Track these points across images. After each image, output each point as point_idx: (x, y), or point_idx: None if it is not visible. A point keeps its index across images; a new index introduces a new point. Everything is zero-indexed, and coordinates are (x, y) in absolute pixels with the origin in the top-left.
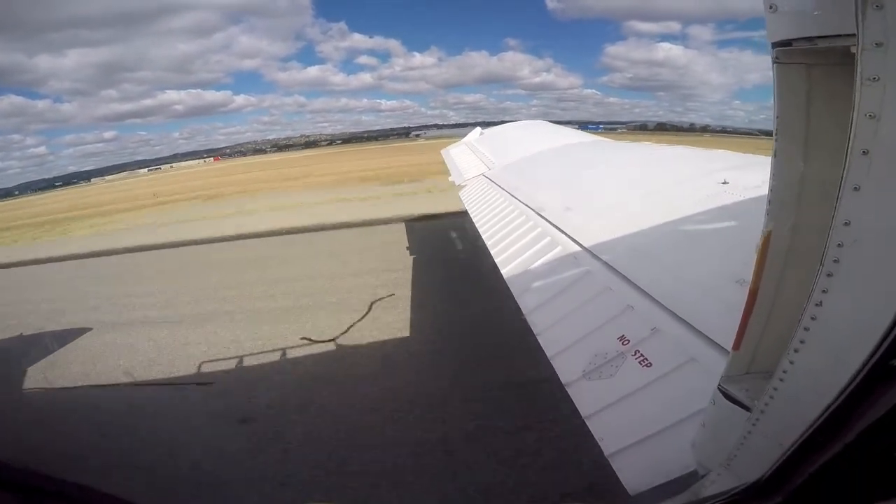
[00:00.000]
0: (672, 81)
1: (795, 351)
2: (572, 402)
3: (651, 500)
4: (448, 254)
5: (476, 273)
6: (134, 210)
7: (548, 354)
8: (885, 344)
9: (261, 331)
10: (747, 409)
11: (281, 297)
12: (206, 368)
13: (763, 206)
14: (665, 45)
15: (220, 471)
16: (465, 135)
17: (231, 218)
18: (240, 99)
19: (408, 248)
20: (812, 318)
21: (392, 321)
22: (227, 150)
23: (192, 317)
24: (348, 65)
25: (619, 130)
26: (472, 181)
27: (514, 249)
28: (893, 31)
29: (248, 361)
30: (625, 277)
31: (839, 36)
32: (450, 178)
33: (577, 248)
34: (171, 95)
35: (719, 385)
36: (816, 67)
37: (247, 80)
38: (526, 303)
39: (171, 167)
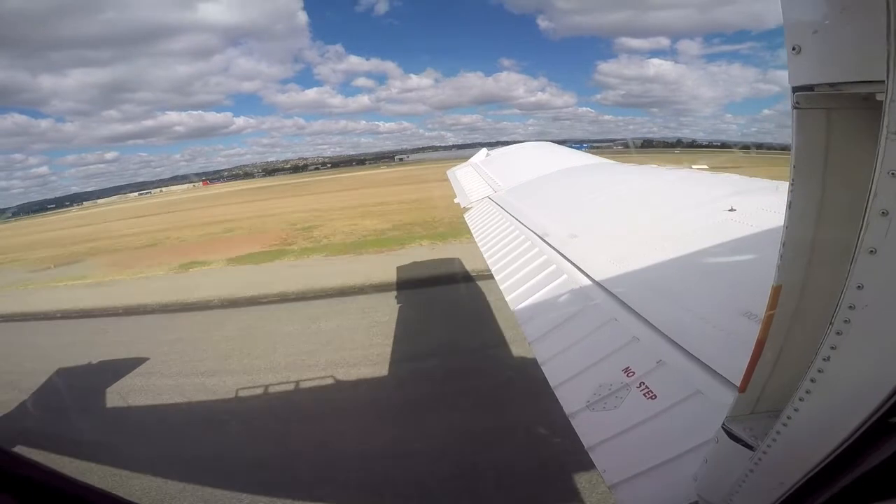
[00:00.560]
0: (664, 97)
1: (801, 399)
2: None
3: None
4: None
5: None
6: None
7: (552, 384)
8: (888, 404)
9: None
10: (750, 448)
11: None
12: None
13: (769, 235)
14: (655, 61)
15: None
16: (446, 158)
17: None
18: (240, 121)
19: None
20: (819, 371)
21: None
22: (226, 173)
23: None
24: (346, 87)
25: (615, 148)
26: (478, 204)
27: (518, 276)
28: None
29: None
30: (630, 308)
31: (866, 82)
32: (455, 200)
33: (583, 276)
34: (172, 117)
35: (723, 424)
36: (838, 112)
37: (247, 102)
38: (530, 331)
39: (161, 191)
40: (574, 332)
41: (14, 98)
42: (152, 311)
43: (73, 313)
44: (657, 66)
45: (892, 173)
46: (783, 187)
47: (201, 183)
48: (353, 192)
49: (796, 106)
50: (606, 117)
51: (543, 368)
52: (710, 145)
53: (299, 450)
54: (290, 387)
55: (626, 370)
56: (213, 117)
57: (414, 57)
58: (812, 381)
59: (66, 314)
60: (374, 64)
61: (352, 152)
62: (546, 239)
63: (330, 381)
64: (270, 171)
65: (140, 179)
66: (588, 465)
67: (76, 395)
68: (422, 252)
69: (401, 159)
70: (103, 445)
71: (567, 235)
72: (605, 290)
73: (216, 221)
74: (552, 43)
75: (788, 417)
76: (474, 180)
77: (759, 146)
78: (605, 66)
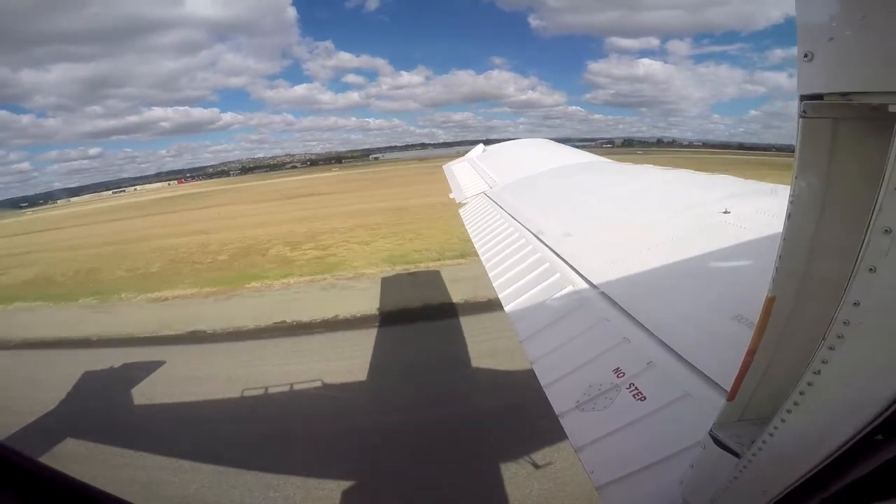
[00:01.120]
0: (653, 97)
1: (788, 411)
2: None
3: None
4: None
5: None
6: None
7: (542, 383)
8: (876, 422)
9: None
10: (737, 455)
11: None
12: None
13: (763, 238)
14: (645, 61)
15: None
16: (432, 157)
17: None
18: (227, 116)
19: None
20: (808, 384)
21: None
22: (211, 170)
23: None
24: (336, 83)
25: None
26: (473, 199)
27: (511, 274)
28: None
29: None
30: (622, 308)
31: (881, 93)
32: (450, 195)
33: (576, 276)
34: (158, 112)
35: (711, 430)
36: (845, 122)
37: (234, 98)
38: (522, 329)
39: (136, 189)
40: (565, 332)
41: None
42: None
43: None
44: (647, 65)
45: None
46: (779, 190)
47: (177, 182)
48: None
49: (803, 115)
50: (596, 116)
51: (534, 367)
52: (690, 145)
53: None
54: None
55: (617, 371)
56: (199, 113)
57: (405, 54)
58: (801, 393)
59: None
60: (365, 60)
61: (341, 149)
62: (540, 237)
63: None
64: (248, 168)
65: (125, 175)
66: None
67: None
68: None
69: (375, 158)
70: None
71: (561, 234)
72: (598, 289)
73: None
74: (543, 41)
75: (775, 427)
76: (470, 176)
77: (742, 146)
78: (595, 66)
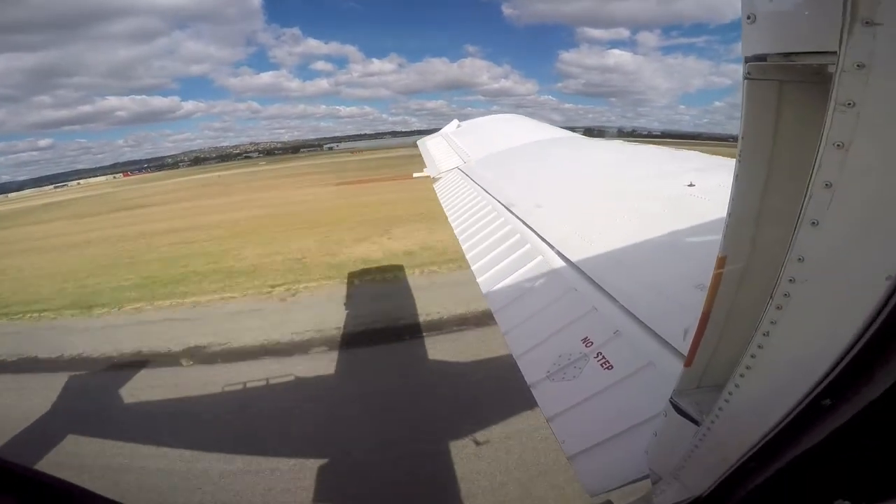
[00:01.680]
0: (623, 87)
1: (741, 375)
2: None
3: None
4: None
5: None
6: None
7: (514, 354)
8: (822, 384)
9: None
10: (696, 422)
11: None
12: None
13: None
14: (615, 52)
15: None
16: (380, 147)
17: None
18: (189, 105)
19: None
20: (759, 347)
21: None
22: (170, 160)
23: None
24: (304, 70)
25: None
26: (447, 174)
27: (484, 246)
28: (881, 52)
29: None
30: (589, 278)
31: (819, 53)
32: (424, 170)
33: (545, 246)
34: (113, 102)
35: (671, 398)
36: (789, 85)
37: (195, 86)
38: (494, 300)
39: (78, 183)
40: (536, 302)
41: None
42: None
43: None
44: (617, 56)
45: (837, 145)
46: None
47: (122, 175)
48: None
49: (748, 76)
50: (567, 105)
51: (506, 338)
52: (650, 135)
53: None
54: None
55: (585, 340)
56: (158, 102)
57: (376, 41)
58: (752, 356)
59: None
60: (334, 48)
61: (311, 136)
62: (511, 209)
63: None
64: (194, 160)
65: (79, 167)
66: None
67: None
68: None
69: (330, 148)
70: None
71: (532, 206)
72: (567, 259)
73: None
74: (516, 30)
75: (730, 393)
76: (444, 151)
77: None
78: (567, 55)
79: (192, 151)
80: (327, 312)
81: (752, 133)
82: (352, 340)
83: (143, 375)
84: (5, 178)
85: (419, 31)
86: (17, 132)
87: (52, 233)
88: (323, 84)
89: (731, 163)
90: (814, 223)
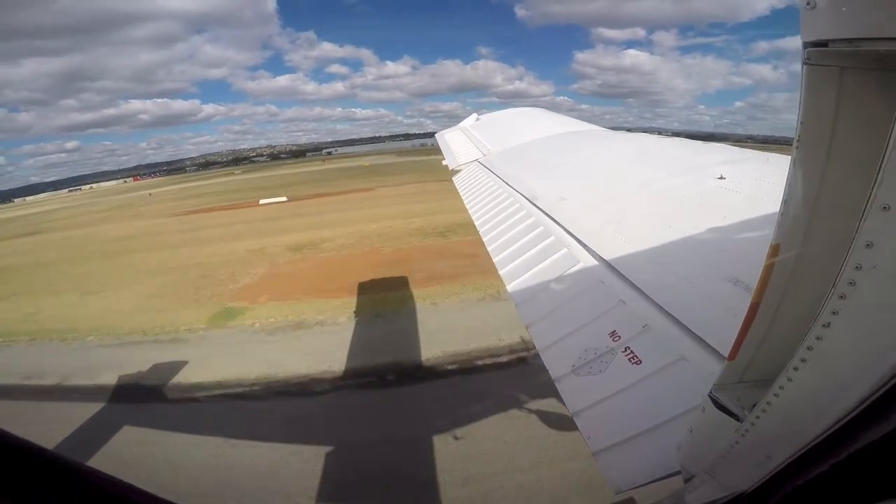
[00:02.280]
0: (640, 88)
1: (795, 369)
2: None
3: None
4: None
5: None
6: None
7: (538, 347)
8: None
9: None
10: (737, 418)
11: None
12: None
13: (759, 204)
14: (632, 52)
15: None
16: (381, 151)
17: None
18: (209, 108)
19: None
20: (818, 338)
21: None
22: (188, 163)
23: None
24: (319, 74)
25: None
26: (466, 167)
27: (506, 238)
28: None
29: None
30: (617, 271)
31: (888, 39)
32: (443, 162)
33: (571, 239)
34: (136, 105)
35: (710, 392)
36: (851, 71)
37: (215, 90)
38: (517, 293)
39: (91, 188)
40: (561, 295)
41: None
42: None
43: None
44: (633, 56)
45: None
46: (774, 159)
47: (132, 179)
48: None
49: (807, 62)
50: (583, 106)
51: (530, 331)
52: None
53: None
54: None
55: (612, 334)
56: (179, 105)
57: (390, 44)
58: (809, 348)
59: None
60: (349, 51)
61: (328, 139)
62: (535, 202)
63: None
64: (204, 164)
65: (104, 168)
66: None
67: None
68: None
69: (329, 153)
70: None
71: (556, 198)
72: (593, 252)
73: None
74: (530, 31)
75: (780, 387)
76: (463, 143)
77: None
78: (582, 56)
79: (211, 154)
80: None
81: (811, 119)
82: None
83: None
84: (35, 179)
85: (432, 34)
86: (45, 135)
87: None
88: (338, 87)
89: (763, 155)
90: (885, 208)
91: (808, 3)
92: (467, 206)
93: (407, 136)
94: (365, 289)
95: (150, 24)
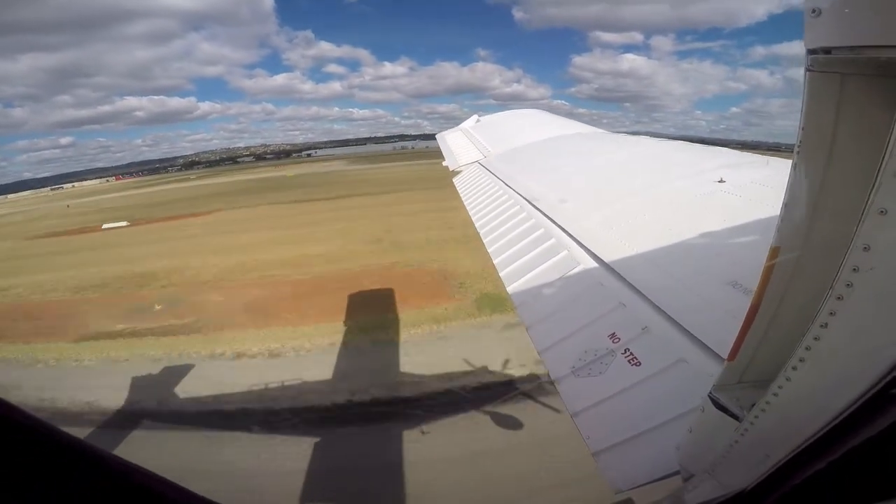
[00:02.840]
0: (637, 92)
1: (794, 368)
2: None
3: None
4: None
5: None
6: None
7: (538, 349)
8: (890, 375)
9: None
10: (736, 418)
11: None
12: None
13: (758, 207)
14: (629, 56)
15: None
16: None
17: None
18: (205, 106)
19: None
20: (815, 339)
21: None
22: (181, 160)
23: None
24: (316, 73)
25: None
26: (467, 168)
27: (506, 240)
28: None
29: None
30: (616, 273)
31: (889, 47)
32: (443, 163)
33: (571, 241)
34: (131, 102)
35: (710, 393)
36: (852, 77)
37: (212, 87)
38: (517, 295)
39: (73, 186)
40: (561, 297)
41: None
42: None
43: None
44: (630, 61)
45: None
46: (773, 162)
47: (114, 178)
48: None
49: (810, 68)
50: (581, 110)
51: (529, 333)
52: None
53: None
54: None
55: (612, 336)
56: (175, 102)
57: (388, 45)
58: (807, 349)
59: None
60: (346, 51)
61: (325, 139)
62: (535, 204)
63: None
64: (188, 164)
65: (99, 165)
66: None
67: None
68: None
69: (308, 154)
70: None
71: (556, 200)
72: (593, 254)
73: None
74: (528, 34)
75: (779, 387)
76: (464, 145)
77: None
78: (580, 60)
79: (207, 152)
80: None
81: (813, 124)
82: None
83: None
84: (27, 175)
85: (430, 35)
86: (39, 130)
87: None
88: (336, 87)
89: (762, 159)
90: (882, 212)
91: (812, 11)
92: (467, 208)
93: (402, 137)
94: None
95: (147, 20)
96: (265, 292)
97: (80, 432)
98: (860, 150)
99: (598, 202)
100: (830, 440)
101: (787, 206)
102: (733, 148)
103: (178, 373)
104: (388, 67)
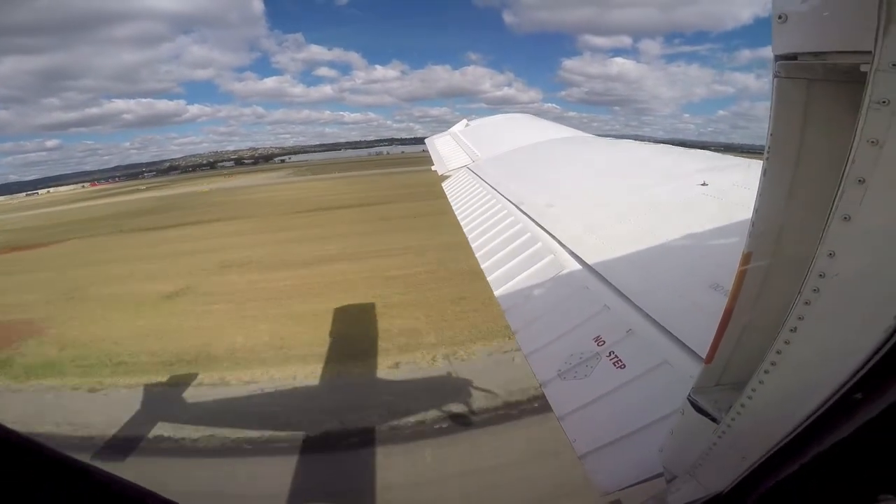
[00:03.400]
0: (626, 95)
1: (766, 372)
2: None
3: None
4: None
5: None
6: None
7: (524, 352)
8: (854, 379)
9: None
10: (715, 420)
11: None
12: None
13: (740, 210)
14: (618, 60)
15: None
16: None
17: None
18: (194, 109)
19: None
20: (785, 343)
21: None
22: (167, 164)
23: None
24: (307, 76)
25: None
26: (456, 173)
27: (494, 244)
28: None
29: None
30: (602, 277)
31: (852, 52)
32: (432, 168)
33: (557, 245)
34: (119, 104)
35: (689, 395)
36: (818, 84)
37: (201, 90)
38: (504, 299)
39: (49, 191)
40: (547, 300)
41: None
42: None
43: None
44: (620, 64)
45: (872, 141)
46: (756, 165)
47: (90, 184)
48: None
49: (777, 75)
50: (571, 114)
51: (517, 336)
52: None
53: None
54: None
55: (597, 339)
56: (164, 105)
57: (379, 48)
58: (778, 352)
59: None
60: (337, 54)
61: (316, 142)
62: (522, 208)
63: None
64: (164, 170)
65: (86, 168)
66: None
67: None
68: None
69: (282, 160)
70: None
71: (543, 205)
72: (579, 258)
73: None
74: (518, 38)
75: (753, 390)
76: (453, 149)
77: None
78: (570, 63)
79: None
80: None
81: (781, 130)
82: None
83: None
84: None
85: (421, 39)
86: (25, 133)
87: None
88: (327, 90)
89: (744, 162)
90: (846, 218)
91: (779, 17)
92: (456, 212)
93: (391, 141)
94: None
95: (135, 23)
96: None
97: None
98: (827, 155)
99: (584, 206)
100: (801, 443)
101: (757, 211)
102: (720, 151)
103: None
104: (379, 71)
